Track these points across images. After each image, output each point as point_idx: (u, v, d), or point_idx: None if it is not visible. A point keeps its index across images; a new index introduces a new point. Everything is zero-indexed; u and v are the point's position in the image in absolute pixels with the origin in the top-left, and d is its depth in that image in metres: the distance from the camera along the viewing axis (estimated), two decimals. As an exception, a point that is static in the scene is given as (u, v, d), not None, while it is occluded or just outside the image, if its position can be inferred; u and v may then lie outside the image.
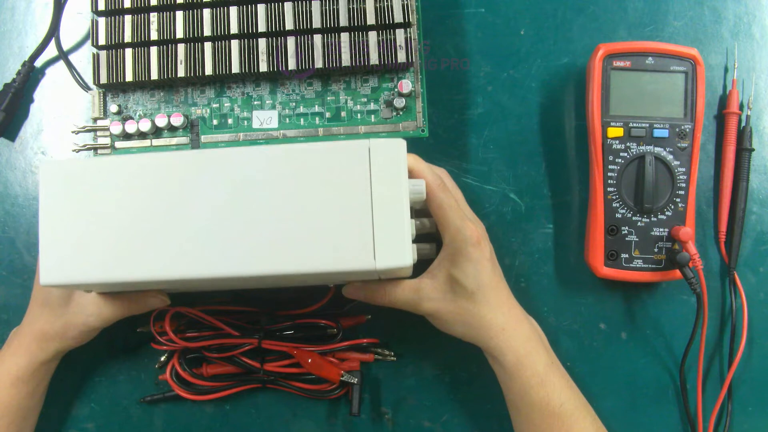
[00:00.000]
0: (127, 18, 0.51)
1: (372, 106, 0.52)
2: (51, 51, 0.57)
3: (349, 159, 0.41)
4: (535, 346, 0.47)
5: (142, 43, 0.51)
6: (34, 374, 0.49)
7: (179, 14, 0.51)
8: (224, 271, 0.41)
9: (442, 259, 0.46)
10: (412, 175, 0.45)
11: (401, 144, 0.42)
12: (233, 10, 0.51)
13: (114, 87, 0.53)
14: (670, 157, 0.52)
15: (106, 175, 0.42)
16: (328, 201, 0.41)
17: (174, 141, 0.53)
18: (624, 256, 0.53)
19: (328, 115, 0.52)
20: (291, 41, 0.51)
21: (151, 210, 0.41)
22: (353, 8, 0.51)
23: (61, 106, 0.57)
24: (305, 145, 0.42)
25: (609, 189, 0.53)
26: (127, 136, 0.53)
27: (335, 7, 0.51)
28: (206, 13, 0.51)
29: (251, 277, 0.41)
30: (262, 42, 0.51)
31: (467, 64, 0.57)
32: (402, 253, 0.41)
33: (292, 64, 0.51)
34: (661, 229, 0.53)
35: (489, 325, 0.46)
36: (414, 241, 0.43)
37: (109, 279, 0.42)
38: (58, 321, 0.48)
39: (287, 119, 0.52)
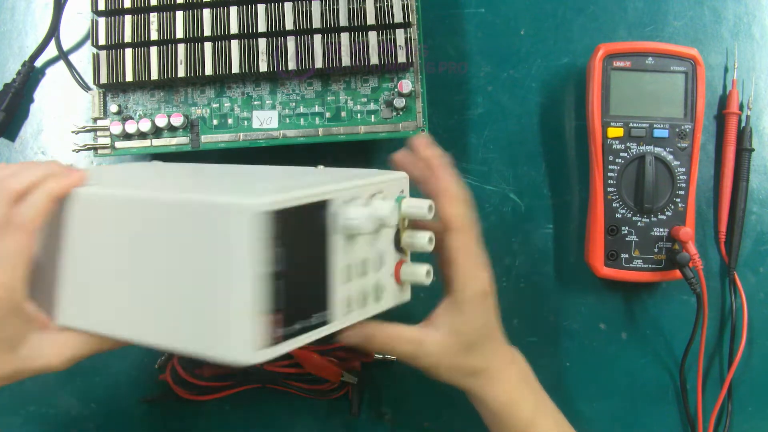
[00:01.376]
0: (127, 18, 0.51)
1: (372, 106, 0.52)
2: (51, 51, 0.57)
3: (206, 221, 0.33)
4: (521, 392, 0.45)
5: (142, 43, 0.51)
6: None
7: (179, 14, 0.51)
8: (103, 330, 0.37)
9: (448, 308, 0.42)
10: (437, 200, 0.41)
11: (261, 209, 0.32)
12: (233, 10, 0.51)
13: (114, 87, 0.53)
14: (670, 157, 0.52)
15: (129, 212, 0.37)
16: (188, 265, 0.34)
17: (174, 141, 0.53)
18: (624, 256, 0.53)
19: (328, 115, 0.52)
20: (291, 41, 0.51)
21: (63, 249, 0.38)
22: (353, 8, 0.51)
23: (61, 106, 0.57)
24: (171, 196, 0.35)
25: (609, 189, 0.53)
26: (127, 136, 0.53)
27: (335, 7, 0.51)
28: (206, 13, 0.51)
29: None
30: (262, 42, 0.51)
31: (465, 68, 0.57)
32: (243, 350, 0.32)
33: (292, 65, 0.51)
34: (661, 229, 0.53)
35: (479, 374, 0.44)
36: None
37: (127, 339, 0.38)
38: (9, 366, 0.37)
39: (287, 119, 0.52)
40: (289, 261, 0.33)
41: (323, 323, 0.36)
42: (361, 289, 0.39)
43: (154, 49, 0.51)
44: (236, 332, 0.32)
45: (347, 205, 0.36)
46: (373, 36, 0.51)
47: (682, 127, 0.53)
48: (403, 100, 0.52)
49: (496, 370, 0.44)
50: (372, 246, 0.39)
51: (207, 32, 0.51)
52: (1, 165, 0.40)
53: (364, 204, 0.38)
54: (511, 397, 0.44)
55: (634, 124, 0.52)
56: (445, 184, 0.42)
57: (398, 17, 0.51)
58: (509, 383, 0.44)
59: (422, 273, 0.41)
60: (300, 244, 0.34)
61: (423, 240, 0.41)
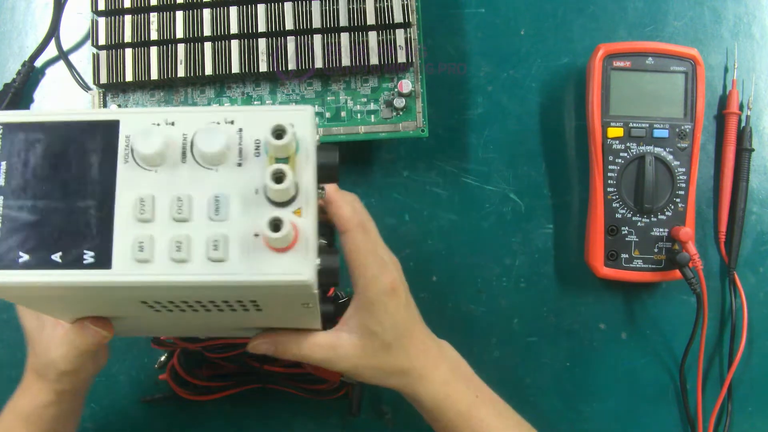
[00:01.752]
0: (127, 18, 0.51)
1: (372, 106, 0.52)
2: (51, 51, 0.57)
3: None
4: (454, 387, 0.44)
5: (142, 43, 0.51)
6: (41, 416, 0.42)
7: (179, 14, 0.51)
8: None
9: (357, 309, 0.41)
10: (327, 206, 0.39)
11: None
12: (233, 10, 0.51)
13: (114, 87, 0.53)
14: (670, 157, 0.52)
15: None
16: None
17: (174, 141, 0.52)
18: (624, 256, 0.53)
19: (328, 115, 0.52)
20: (291, 41, 0.51)
21: None
22: (353, 8, 0.51)
23: (61, 106, 0.57)
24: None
25: (609, 189, 0.53)
26: (127, 136, 0.53)
27: (335, 7, 0.51)
28: (206, 13, 0.51)
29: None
30: (262, 42, 0.51)
31: (464, 69, 0.57)
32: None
33: (292, 65, 0.51)
34: (661, 229, 0.53)
35: (407, 374, 0.42)
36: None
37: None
38: (36, 358, 0.41)
39: (287, 119, 0.52)
40: (17, 178, 0.30)
41: (96, 264, 0.30)
42: (174, 237, 0.30)
43: (154, 49, 0.51)
44: None
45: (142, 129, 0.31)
46: (373, 36, 0.51)
47: (682, 127, 0.53)
48: (403, 100, 0.52)
49: (422, 368, 0.43)
50: (200, 184, 0.31)
51: (207, 32, 0.51)
52: None
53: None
54: (445, 392, 0.43)
55: (634, 124, 0.52)
56: (329, 194, 0.40)
57: (398, 17, 0.51)
58: (440, 379, 0.43)
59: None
60: (46, 164, 0.31)
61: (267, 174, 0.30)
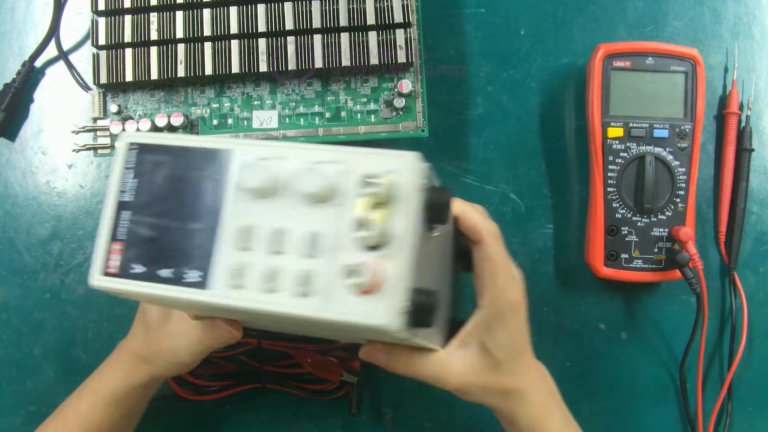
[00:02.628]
0: (127, 18, 0.51)
1: (372, 106, 0.52)
2: (51, 51, 0.57)
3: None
4: (551, 412, 0.43)
5: (142, 43, 0.51)
6: (128, 395, 0.45)
7: (179, 14, 0.51)
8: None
9: (478, 324, 0.40)
10: (459, 221, 0.39)
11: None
12: (233, 10, 0.51)
13: (114, 87, 0.53)
14: (670, 157, 0.52)
15: None
16: None
17: (174, 141, 0.52)
18: (624, 256, 0.53)
19: (328, 115, 0.52)
20: (291, 41, 0.51)
21: None
22: (353, 8, 0.51)
23: (61, 106, 0.57)
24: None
25: (609, 189, 0.53)
26: (127, 136, 0.53)
27: (335, 7, 0.51)
28: (206, 13, 0.51)
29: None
30: (262, 42, 0.51)
31: (462, 71, 0.57)
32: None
33: (292, 65, 0.51)
34: (661, 229, 0.53)
35: (510, 394, 0.41)
36: None
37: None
38: (151, 345, 0.44)
39: (287, 119, 0.52)
40: (144, 195, 0.33)
41: (196, 284, 0.32)
42: (267, 267, 0.31)
43: (154, 49, 0.51)
44: (96, 255, 0.33)
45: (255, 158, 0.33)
46: (373, 36, 0.51)
47: (682, 127, 0.53)
48: (403, 100, 0.52)
49: (525, 390, 0.42)
50: (297, 222, 0.32)
51: (207, 32, 0.51)
52: None
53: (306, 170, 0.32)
54: (542, 416, 0.42)
55: (634, 124, 0.52)
56: (458, 208, 0.40)
57: (398, 17, 0.51)
58: (539, 402, 0.42)
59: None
60: (168, 185, 0.33)
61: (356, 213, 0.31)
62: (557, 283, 0.56)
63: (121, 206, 0.33)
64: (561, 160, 0.56)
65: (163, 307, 0.43)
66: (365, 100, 0.52)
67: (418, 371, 0.40)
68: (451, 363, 0.40)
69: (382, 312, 0.30)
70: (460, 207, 0.40)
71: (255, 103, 0.53)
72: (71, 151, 0.53)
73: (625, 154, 0.52)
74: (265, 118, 0.53)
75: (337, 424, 0.55)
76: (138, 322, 0.45)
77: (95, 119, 0.53)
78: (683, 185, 0.53)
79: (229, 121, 0.53)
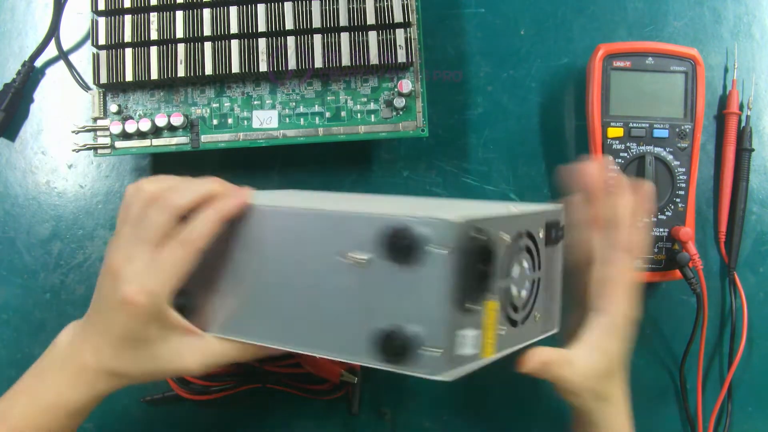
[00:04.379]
0: (127, 18, 0.51)
1: (372, 106, 0.52)
2: (51, 51, 0.57)
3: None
4: (629, 423, 0.45)
5: (142, 43, 0.51)
6: (91, 407, 0.42)
7: (179, 14, 0.51)
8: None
9: (601, 329, 0.42)
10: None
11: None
12: (233, 10, 0.51)
13: (114, 87, 0.53)
14: (670, 158, 0.52)
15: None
16: None
17: (174, 141, 0.53)
18: (624, 256, 0.53)
19: (328, 114, 0.52)
20: (291, 41, 0.51)
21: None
22: (353, 8, 0.51)
23: (61, 106, 0.57)
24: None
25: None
26: (127, 136, 0.53)
27: (335, 7, 0.51)
28: (206, 13, 0.51)
29: None
30: (262, 42, 0.51)
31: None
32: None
33: (292, 65, 0.51)
34: (661, 229, 0.53)
35: (607, 401, 0.43)
36: None
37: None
38: (145, 365, 0.40)
39: (287, 119, 0.52)
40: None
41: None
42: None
43: (154, 49, 0.51)
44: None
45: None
46: (373, 36, 0.51)
47: (682, 127, 0.53)
48: (403, 99, 0.52)
49: (618, 398, 0.43)
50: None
51: (207, 32, 0.51)
52: (159, 177, 0.41)
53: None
54: (623, 426, 0.44)
55: (634, 124, 0.52)
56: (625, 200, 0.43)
57: (398, 17, 0.51)
58: (624, 413, 0.44)
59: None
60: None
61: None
62: (557, 283, 0.56)
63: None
64: (561, 160, 0.56)
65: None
66: (365, 99, 0.52)
67: (546, 371, 0.40)
68: (576, 364, 0.41)
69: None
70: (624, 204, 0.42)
71: (255, 102, 0.53)
72: (71, 151, 0.53)
73: (625, 154, 0.52)
74: (265, 117, 0.53)
75: (337, 424, 0.55)
76: (115, 339, 0.39)
77: (95, 119, 0.53)
78: (683, 185, 0.53)
79: (229, 120, 0.53)
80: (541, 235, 0.41)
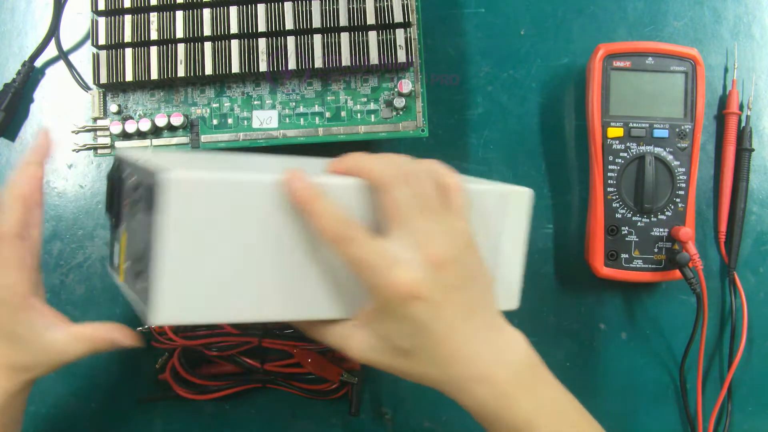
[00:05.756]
0: (127, 18, 0.51)
1: (372, 106, 0.52)
2: (51, 51, 0.57)
3: (490, 203, 0.42)
4: (514, 399, 0.37)
5: (142, 43, 0.51)
6: (6, 408, 0.42)
7: (179, 14, 0.51)
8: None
9: (370, 311, 0.37)
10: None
11: (531, 194, 0.45)
12: (233, 10, 0.51)
13: (114, 87, 0.53)
14: (670, 157, 0.52)
15: (235, 198, 0.35)
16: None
17: (174, 141, 0.53)
18: (624, 256, 0.53)
19: (328, 114, 0.52)
20: (291, 41, 0.51)
21: (272, 242, 0.36)
22: (353, 8, 0.51)
23: (61, 106, 0.57)
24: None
25: (609, 189, 0.53)
26: (127, 136, 0.53)
27: (335, 7, 0.51)
28: (206, 13, 0.51)
29: None
30: (262, 42, 0.51)
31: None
32: (514, 299, 0.46)
33: (292, 65, 0.51)
34: (661, 229, 0.53)
35: (442, 383, 0.37)
36: None
37: (231, 320, 0.37)
38: (26, 356, 0.41)
39: (287, 119, 0.52)
40: None
41: None
42: None
43: (154, 49, 0.51)
44: (507, 287, 0.45)
45: None
46: (373, 36, 0.51)
47: (682, 127, 0.53)
48: (403, 99, 0.52)
49: (461, 378, 0.37)
50: None
51: (207, 32, 0.51)
52: None
53: None
54: (496, 405, 0.37)
55: (634, 124, 0.52)
56: (348, 161, 0.38)
57: (398, 17, 0.51)
58: (490, 390, 0.37)
59: None
60: None
61: None
62: (557, 283, 0.56)
63: None
64: (561, 160, 0.56)
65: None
66: (365, 99, 0.52)
67: (324, 339, 0.39)
68: (353, 338, 0.38)
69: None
70: (349, 162, 0.37)
71: (255, 102, 0.53)
72: (71, 151, 0.53)
73: (625, 154, 0.52)
74: (265, 117, 0.53)
75: (337, 424, 0.55)
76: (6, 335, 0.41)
77: (95, 119, 0.53)
78: (683, 185, 0.53)
79: (229, 120, 0.53)
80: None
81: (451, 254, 0.36)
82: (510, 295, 0.46)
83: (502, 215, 0.43)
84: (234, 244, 0.35)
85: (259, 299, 0.36)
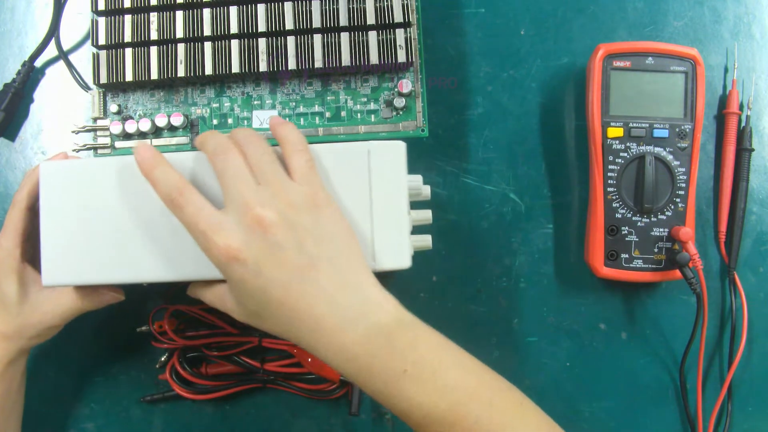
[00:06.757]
0: (127, 18, 0.51)
1: (372, 106, 0.52)
2: (51, 51, 0.57)
3: (349, 161, 0.42)
4: (357, 365, 0.37)
5: (142, 43, 0.51)
6: (2, 375, 0.45)
7: (179, 14, 0.51)
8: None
9: (227, 285, 0.40)
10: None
11: (401, 146, 0.43)
12: (233, 10, 0.51)
13: (114, 87, 0.53)
14: (670, 157, 0.52)
15: (100, 177, 0.42)
16: None
17: (174, 141, 0.53)
18: (624, 256, 0.53)
19: (328, 115, 0.52)
20: (291, 41, 0.51)
21: (139, 211, 0.42)
22: (353, 8, 0.51)
23: (61, 106, 0.57)
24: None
25: (609, 189, 0.53)
26: (127, 136, 0.53)
27: (335, 7, 0.51)
28: (206, 13, 0.51)
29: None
30: (262, 42, 0.51)
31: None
32: (402, 256, 0.42)
33: (292, 65, 0.51)
34: (661, 229, 0.53)
35: (299, 342, 0.38)
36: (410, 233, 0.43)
37: (110, 281, 0.43)
38: (15, 320, 0.45)
39: (287, 119, 0.52)
40: None
41: None
42: None
43: (154, 49, 0.51)
44: (389, 243, 0.42)
45: None
46: (373, 36, 0.51)
47: (682, 127, 0.53)
48: (403, 99, 0.52)
49: (310, 342, 0.37)
50: None
51: (207, 32, 0.51)
52: None
53: None
54: (356, 366, 0.37)
55: (634, 124, 0.52)
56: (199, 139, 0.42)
57: (398, 17, 0.51)
58: (339, 354, 0.37)
59: None
60: None
61: (417, 182, 0.47)
62: (557, 283, 0.56)
63: None
64: (561, 160, 0.56)
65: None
66: (365, 99, 0.52)
67: (206, 299, 0.42)
68: (227, 299, 0.40)
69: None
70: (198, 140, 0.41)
71: (255, 102, 0.53)
72: (71, 151, 0.53)
73: (625, 154, 0.52)
74: (265, 117, 0.53)
75: (337, 424, 0.55)
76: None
77: (95, 119, 0.53)
78: (683, 185, 0.53)
79: (229, 120, 0.53)
80: None
81: (277, 217, 0.37)
82: (396, 252, 0.42)
83: (364, 172, 0.42)
84: (105, 216, 0.42)
85: (137, 262, 0.42)
